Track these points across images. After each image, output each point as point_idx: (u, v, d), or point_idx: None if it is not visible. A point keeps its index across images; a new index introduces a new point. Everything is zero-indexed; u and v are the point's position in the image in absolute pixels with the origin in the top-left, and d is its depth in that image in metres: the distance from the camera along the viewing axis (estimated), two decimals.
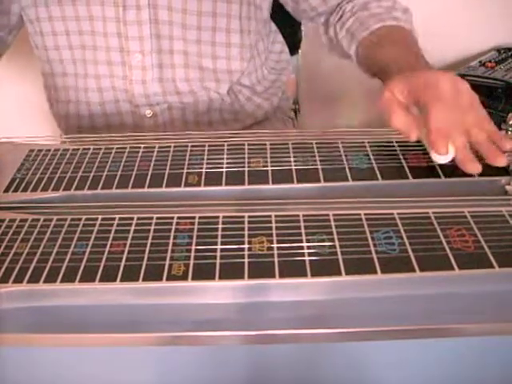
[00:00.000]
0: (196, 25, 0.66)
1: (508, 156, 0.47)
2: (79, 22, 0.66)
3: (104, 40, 0.67)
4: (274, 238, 0.38)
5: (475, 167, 0.44)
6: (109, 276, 0.36)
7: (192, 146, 0.50)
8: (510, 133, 0.51)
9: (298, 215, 0.40)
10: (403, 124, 0.46)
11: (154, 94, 0.70)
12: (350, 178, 0.46)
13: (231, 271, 0.36)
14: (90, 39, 0.67)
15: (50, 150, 0.51)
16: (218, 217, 0.40)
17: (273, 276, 0.35)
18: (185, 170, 0.47)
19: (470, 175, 0.46)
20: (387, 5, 0.67)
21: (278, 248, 0.37)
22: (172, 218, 0.41)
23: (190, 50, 0.67)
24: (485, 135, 0.46)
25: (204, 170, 0.47)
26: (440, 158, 0.45)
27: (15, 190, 0.46)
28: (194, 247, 0.38)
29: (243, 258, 0.37)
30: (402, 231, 0.39)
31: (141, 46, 0.66)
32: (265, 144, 0.50)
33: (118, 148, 0.51)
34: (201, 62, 0.69)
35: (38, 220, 0.41)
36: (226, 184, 0.46)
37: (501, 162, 0.45)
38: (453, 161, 0.45)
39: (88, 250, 0.38)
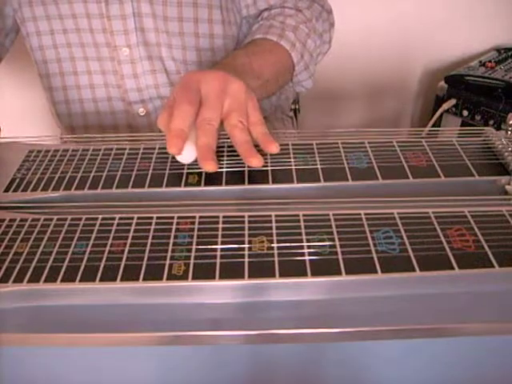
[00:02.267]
0: (177, 16, 0.66)
1: (509, 156, 0.47)
2: (63, 20, 0.66)
3: (91, 36, 0.67)
4: (274, 238, 0.38)
5: (210, 165, 0.44)
6: (109, 276, 0.36)
7: None
8: (509, 133, 0.51)
9: (298, 215, 0.40)
10: (161, 124, 0.47)
11: (146, 88, 0.70)
12: (349, 177, 0.46)
13: (231, 271, 0.36)
14: (76, 37, 0.67)
15: (49, 150, 0.51)
16: (218, 216, 0.40)
17: (273, 276, 0.35)
18: (185, 170, 0.47)
19: (472, 175, 0.46)
20: (289, 23, 0.67)
21: (278, 248, 0.37)
22: (172, 217, 0.41)
23: (174, 42, 0.68)
24: (245, 135, 0.46)
25: (204, 170, 0.47)
26: (180, 158, 0.46)
27: (15, 190, 0.46)
28: (194, 247, 0.38)
29: (243, 258, 0.37)
30: (402, 231, 0.39)
31: (127, 39, 0.67)
32: None
33: (117, 148, 0.51)
34: (185, 55, 0.69)
35: (38, 220, 0.41)
36: (226, 184, 0.46)
37: (254, 163, 0.45)
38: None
39: (88, 249, 0.38)
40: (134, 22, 0.66)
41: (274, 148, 0.47)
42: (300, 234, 0.39)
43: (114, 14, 0.65)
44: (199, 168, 0.47)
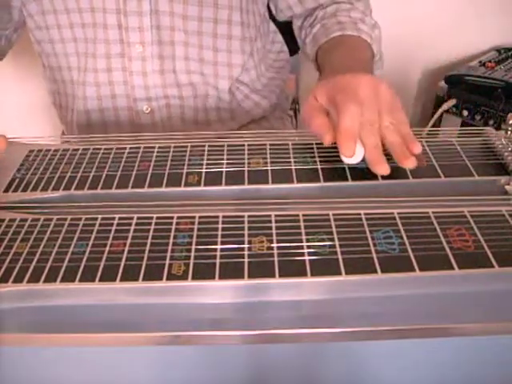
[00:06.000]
0: (197, 16, 0.66)
1: (509, 156, 0.47)
2: (82, 14, 0.66)
3: (103, 32, 0.67)
4: (274, 238, 0.38)
5: (383, 169, 0.44)
6: (109, 276, 0.36)
7: (192, 146, 0.50)
8: (509, 133, 0.51)
9: (297, 215, 0.40)
10: (318, 128, 0.46)
11: (153, 86, 0.70)
12: (349, 177, 0.46)
13: (231, 271, 0.36)
14: (92, 31, 0.67)
15: (49, 150, 0.51)
16: (217, 216, 0.40)
17: (273, 276, 0.35)
18: (185, 170, 0.47)
19: (472, 175, 0.46)
20: (355, 16, 0.68)
21: (278, 248, 0.37)
22: (172, 217, 0.41)
23: (191, 41, 0.68)
24: (397, 137, 0.46)
25: (204, 170, 0.47)
26: (348, 159, 0.45)
27: (15, 190, 0.46)
28: (193, 247, 0.38)
29: (243, 258, 0.37)
30: (402, 231, 0.39)
31: (141, 36, 0.67)
32: (265, 144, 0.50)
33: (117, 148, 0.51)
34: (202, 54, 0.69)
35: (38, 220, 0.41)
36: (226, 184, 0.46)
37: (408, 163, 0.44)
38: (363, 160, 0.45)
39: (88, 249, 0.38)
40: (150, 20, 0.66)
41: (416, 148, 0.46)
42: (300, 234, 0.39)
43: (131, 10, 0.65)
44: (199, 168, 0.47)
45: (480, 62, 1.23)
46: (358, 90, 0.46)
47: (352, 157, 0.44)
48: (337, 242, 0.38)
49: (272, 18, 0.80)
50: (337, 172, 0.46)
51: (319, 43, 0.66)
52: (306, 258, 0.37)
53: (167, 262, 0.37)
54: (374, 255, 0.37)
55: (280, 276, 0.35)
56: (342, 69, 0.55)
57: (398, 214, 0.40)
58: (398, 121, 0.47)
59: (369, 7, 0.73)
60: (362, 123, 0.45)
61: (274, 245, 0.38)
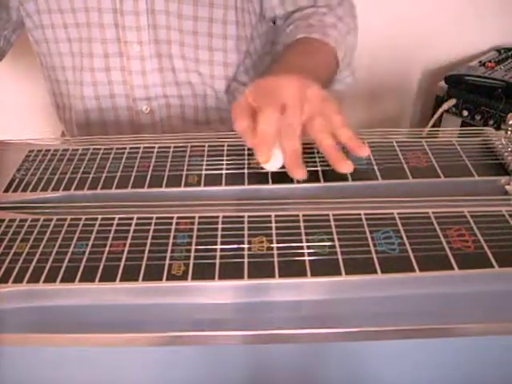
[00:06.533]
0: (192, 15, 0.66)
1: (508, 156, 0.47)
2: (75, 13, 0.66)
3: (99, 32, 0.67)
4: (274, 238, 0.38)
5: (300, 173, 0.43)
6: (108, 276, 0.36)
7: (192, 146, 0.50)
8: (509, 133, 0.51)
9: (297, 215, 0.40)
10: (242, 129, 0.46)
11: (153, 85, 0.70)
12: (349, 177, 0.46)
13: (231, 271, 0.36)
14: (86, 31, 0.67)
15: (49, 150, 0.51)
16: (217, 217, 0.40)
17: (273, 276, 0.35)
18: (184, 171, 0.47)
19: (472, 175, 0.46)
20: (328, 21, 0.68)
21: (278, 248, 0.37)
22: (172, 218, 0.41)
23: (187, 41, 0.68)
24: (331, 140, 0.45)
25: (204, 171, 0.47)
26: (266, 165, 0.44)
27: (15, 190, 0.46)
28: (193, 247, 0.38)
29: (243, 258, 0.37)
30: (402, 231, 0.39)
31: (138, 36, 0.67)
32: None
33: (117, 148, 0.51)
34: (197, 54, 0.69)
35: (38, 220, 0.41)
36: (226, 184, 0.46)
37: (343, 167, 0.44)
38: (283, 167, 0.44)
39: (88, 249, 0.38)
40: (147, 19, 0.66)
41: (364, 151, 0.45)
42: (300, 234, 0.39)
43: (128, 10, 0.65)
44: (199, 168, 0.47)
45: (480, 62, 1.23)
46: (282, 93, 0.45)
47: (266, 162, 0.44)
48: (337, 243, 0.38)
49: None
50: (337, 172, 0.46)
51: (285, 43, 0.67)
52: (306, 258, 0.37)
53: (167, 262, 0.37)
54: (374, 255, 0.37)
55: (280, 276, 0.35)
56: (286, 69, 0.54)
57: (398, 214, 0.40)
58: (334, 124, 0.46)
59: (351, 13, 0.72)
60: (284, 128, 0.44)
61: (274, 245, 0.38)
